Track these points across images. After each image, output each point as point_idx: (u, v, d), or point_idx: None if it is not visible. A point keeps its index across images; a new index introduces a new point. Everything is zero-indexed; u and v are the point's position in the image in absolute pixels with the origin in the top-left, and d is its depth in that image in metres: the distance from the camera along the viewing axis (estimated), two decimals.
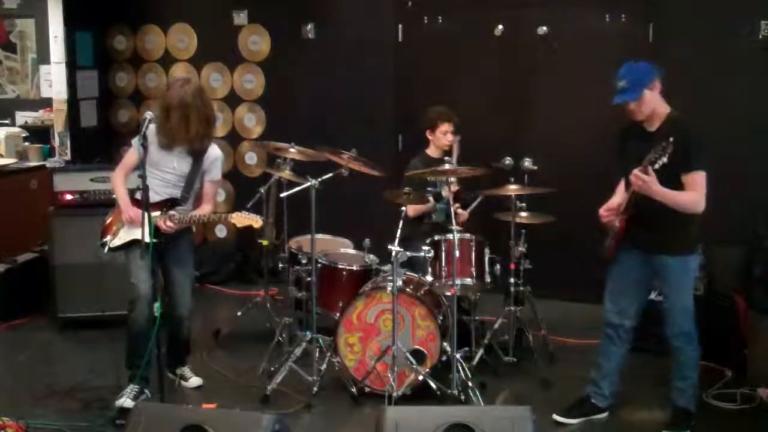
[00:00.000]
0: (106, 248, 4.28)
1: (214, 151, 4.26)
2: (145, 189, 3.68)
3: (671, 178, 3.61)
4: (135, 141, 4.07)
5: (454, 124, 5.05)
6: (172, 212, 4.12)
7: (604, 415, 4.14)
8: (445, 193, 4.59)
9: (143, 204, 3.70)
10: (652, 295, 4.34)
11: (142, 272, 4.01)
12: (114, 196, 4.32)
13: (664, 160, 3.48)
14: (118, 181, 4.24)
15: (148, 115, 3.79)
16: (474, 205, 4.96)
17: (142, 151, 3.77)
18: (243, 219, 4.08)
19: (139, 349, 4.03)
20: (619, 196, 4.02)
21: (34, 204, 5.75)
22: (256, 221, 4.09)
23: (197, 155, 4.18)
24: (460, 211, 4.88)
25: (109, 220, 4.35)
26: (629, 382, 4.33)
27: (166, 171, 4.16)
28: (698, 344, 3.91)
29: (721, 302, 4.84)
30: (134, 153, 4.14)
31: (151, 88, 6.96)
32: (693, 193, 3.66)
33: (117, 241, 4.25)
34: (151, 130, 4.07)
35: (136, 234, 4.03)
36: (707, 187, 3.69)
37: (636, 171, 3.57)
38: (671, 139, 3.44)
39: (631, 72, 3.76)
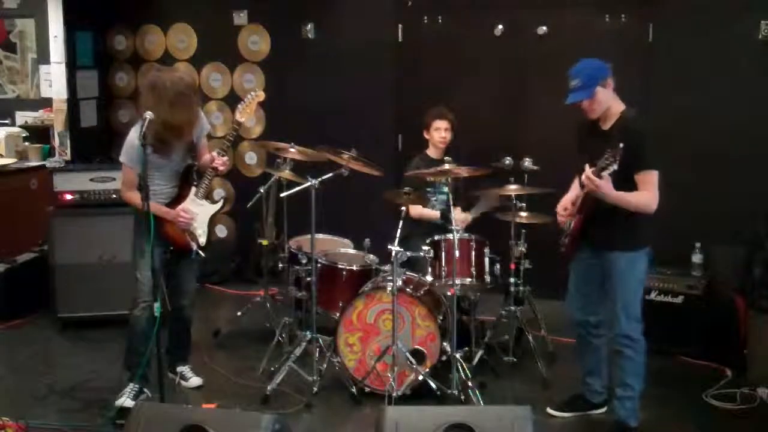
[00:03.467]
0: (202, 251, 4.27)
1: (201, 116, 4.25)
2: (146, 189, 3.67)
3: (624, 178, 3.59)
4: (123, 158, 4.03)
5: (448, 120, 5.06)
6: (219, 150, 4.19)
7: (602, 410, 4.15)
8: (453, 217, 4.54)
9: (143, 203, 3.67)
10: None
11: (149, 269, 3.96)
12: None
13: (615, 167, 3.45)
14: (138, 198, 3.85)
15: (148, 115, 3.78)
16: (481, 211, 4.92)
17: (142, 151, 3.75)
18: (245, 111, 4.23)
19: (140, 348, 4.03)
20: (573, 192, 4.03)
21: (34, 204, 5.75)
22: (258, 96, 4.27)
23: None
24: (462, 216, 4.87)
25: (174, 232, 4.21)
26: None
27: (174, 165, 4.15)
28: (645, 353, 3.80)
29: (721, 302, 4.84)
30: (130, 169, 4.03)
31: None
32: (646, 193, 3.61)
33: (202, 238, 4.24)
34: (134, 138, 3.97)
35: (203, 220, 4.19)
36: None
37: (588, 174, 3.54)
38: (621, 146, 3.39)
39: (584, 70, 3.73)
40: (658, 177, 3.61)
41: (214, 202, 4.31)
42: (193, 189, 4.21)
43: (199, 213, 4.21)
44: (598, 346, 4.05)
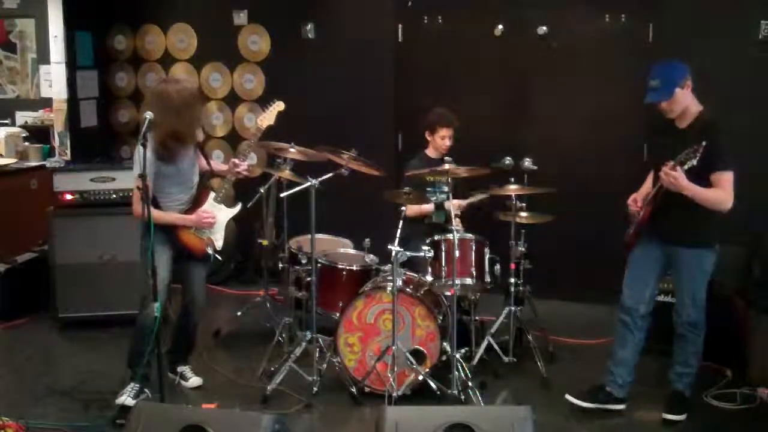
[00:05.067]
0: (219, 255, 4.33)
1: None
2: (146, 189, 3.67)
3: (700, 177, 3.71)
4: (136, 169, 3.91)
5: (454, 129, 5.06)
6: (240, 155, 4.39)
7: (621, 406, 4.18)
8: (447, 205, 4.59)
9: (143, 204, 3.67)
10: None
11: (161, 269, 3.96)
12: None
13: (694, 162, 3.57)
14: (154, 214, 3.80)
15: (148, 115, 3.78)
16: (475, 199, 4.95)
17: (142, 151, 3.76)
18: (266, 119, 4.41)
19: (144, 348, 4.00)
20: (646, 186, 4.17)
21: (34, 204, 5.75)
22: (278, 105, 4.46)
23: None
24: (456, 202, 4.87)
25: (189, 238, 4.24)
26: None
27: (186, 173, 4.18)
28: (704, 336, 4.08)
29: (721, 302, 4.83)
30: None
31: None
32: (720, 191, 3.77)
33: (219, 242, 4.30)
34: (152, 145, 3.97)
35: (221, 224, 4.25)
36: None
37: (666, 169, 3.65)
38: (704, 143, 3.52)
39: (664, 71, 3.86)
40: (733, 177, 3.78)
41: (230, 206, 4.35)
42: (212, 194, 4.27)
43: (217, 217, 4.26)
44: (638, 340, 4.14)
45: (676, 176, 3.64)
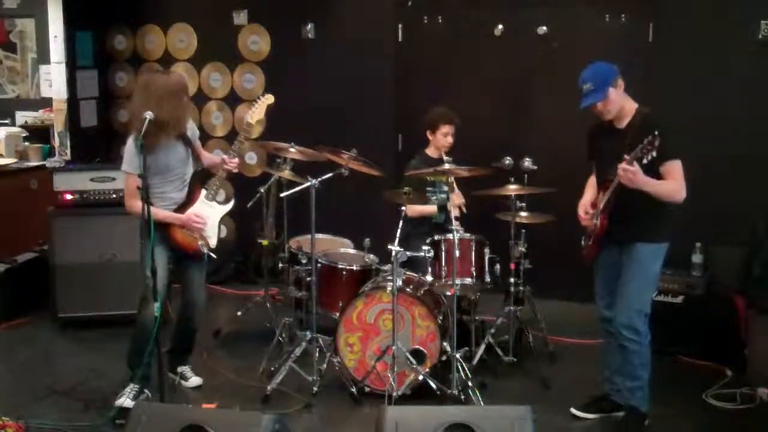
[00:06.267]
0: (212, 254, 4.29)
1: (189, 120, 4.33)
2: (146, 188, 3.67)
3: (650, 170, 3.65)
4: (125, 167, 4.03)
5: (455, 125, 5.05)
6: (228, 153, 4.29)
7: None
8: (449, 206, 4.59)
9: (143, 203, 3.67)
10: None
11: (160, 268, 3.95)
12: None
13: (654, 154, 3.50)
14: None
15: (148, 115, 3.79)
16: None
17: (140, 150, 3.76)
18: (255, 114, 4.34)
19: (143, 348, 4.00)
20: (589, 193, 4.11)
21: (34, 204, 5.75)
22: (267, 98, 4.38)
23: (184, 135, 4.22)
24: (460, 199, 4.86)
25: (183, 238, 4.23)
26: None
27: (175, 169, 4.17)
28: (649, 344, 3.87)
29: (721, 302, 4.84)
30: (133, 176, 4.00)
31: None
32: (673, 182, 3.70)
33: (213, 240, 4.28)
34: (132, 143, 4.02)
35: (214, 222, 4.23)
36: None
37: (623, 165, 3.58)
38: (657, 133, 3.45)
39: (594, 74, 3.80)
40: (681, 166, 3.69)
41: (223, 203, 4.34)
42: (204, 191, 4.25)
43: (209, 215, 4.24)
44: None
45: (634, 171, 3.56)
